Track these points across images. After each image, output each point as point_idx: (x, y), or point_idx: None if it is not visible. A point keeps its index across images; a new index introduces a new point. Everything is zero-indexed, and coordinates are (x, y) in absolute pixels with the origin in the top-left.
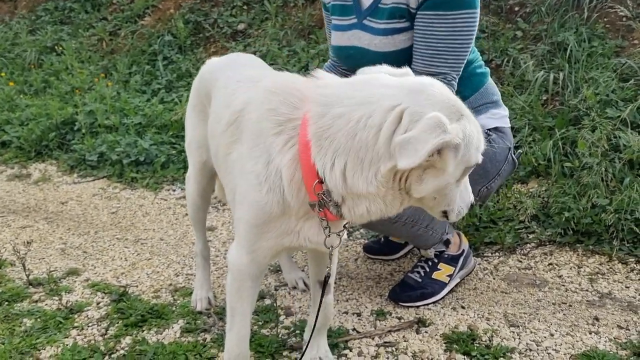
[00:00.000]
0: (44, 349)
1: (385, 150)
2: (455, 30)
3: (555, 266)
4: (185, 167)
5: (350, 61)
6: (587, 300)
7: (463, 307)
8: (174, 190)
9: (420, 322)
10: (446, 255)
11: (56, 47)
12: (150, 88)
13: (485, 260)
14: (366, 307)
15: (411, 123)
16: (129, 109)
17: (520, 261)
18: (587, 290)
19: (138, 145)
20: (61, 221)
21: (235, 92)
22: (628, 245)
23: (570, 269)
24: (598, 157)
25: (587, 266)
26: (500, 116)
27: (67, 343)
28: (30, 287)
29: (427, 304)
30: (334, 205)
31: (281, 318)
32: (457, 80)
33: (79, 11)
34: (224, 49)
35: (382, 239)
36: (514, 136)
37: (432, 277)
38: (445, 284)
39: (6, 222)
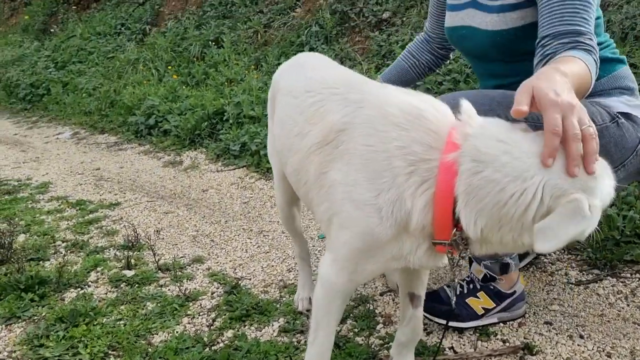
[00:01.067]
0: (157, 334)
1: (528, 227)
2: None
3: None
4: None
5: (461, 42)
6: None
7: (582, 337)
8: None
9: (527, 349)
10: (492, 287)
11: (218, 40)
12: None
13: (621, 282)
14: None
15: (552, 199)
16: None
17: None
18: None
19: None
20: (199, 208)
21: (324, 103)
22: None
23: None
24: None
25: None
26: (635, 105)
27: (177, 330)
28: (159, 272)
29: (449, 327)
30: (464, 245)
31: (379, 327)
32: (595, 41)
33: (239, 5)
34: (367, 39)
35: None
36: None
37: (466, 301)
38: (477, 316)
39: (153, 207)
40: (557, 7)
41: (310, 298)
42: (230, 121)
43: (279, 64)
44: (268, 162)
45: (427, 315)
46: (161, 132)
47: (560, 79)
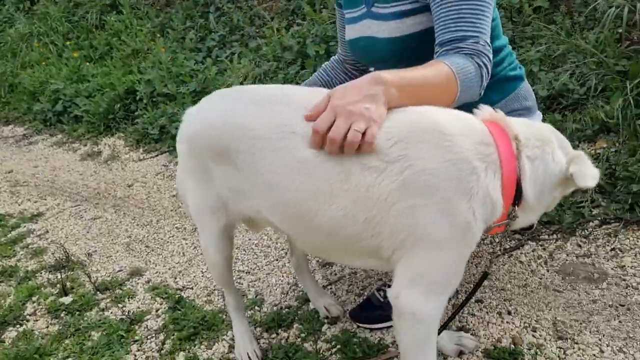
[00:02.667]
0: None
1: (557, 185)
2: None
3: (619, 252)
4: None
5: (362, 53)
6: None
7: (509, 313)
8: None
9: (463, 330)
10: None
11: (115, 4)
12: (205, 45)
13: (541, 246)
14: None
15: (566, 156)
16: (184, 74)
17: (580, 245)
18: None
19: None
20: (127, 209)
21: None
22: None
23: (635, 256)
24: None
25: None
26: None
27: None
28: (98, 292)
29: (382, 328)
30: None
31: (324, 328)
32: (490, 47)
33: None
34: None
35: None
36: (582, 86)
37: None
38: None
39: (79, 213)
40: (443, 15)
41: (255, 351)
42: (145, 101)
43: (187, 28)
44: None
45: (364, 326)
46: (72, 118)
47: (368, 86)
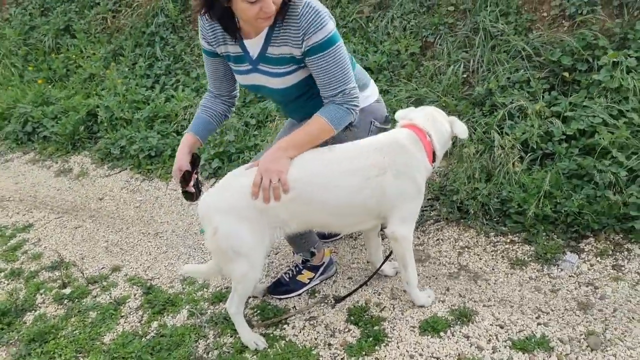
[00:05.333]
0: (105, 335)
1: (450, 134)
2: (336, 59)
3: (440, 241)
4: None
5: (259, 91)
6: (449, 272)
7: (367, 284)
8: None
9: (335, 299)
10: (309, 265)
11: (69, 28)
12: (153, 72)
13: None
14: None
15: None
16: (138, 101)
17: (419, 237)
18: (452, 263)
19: (149, 140)
20: (102, 218)
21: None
22: (495, 221)
23: (449, 243)
24: (484, 144)
25: (461, 240)
26: (365, 97)
27: (118, 330)
28: (90, 285)
29: (290, 297)
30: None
31: (250, 300)
32: (356, 89)
33: None
34: None
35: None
36: None
37: (297, 278)
38: (304, 284)
39: (62, 223)
40: (321, 79)
41: (259, 339)
42: (105, 124)
43: (135, 55)
44: (147, 164)
45: (276, 297)
46: (41, 137)
47: (276, 153)
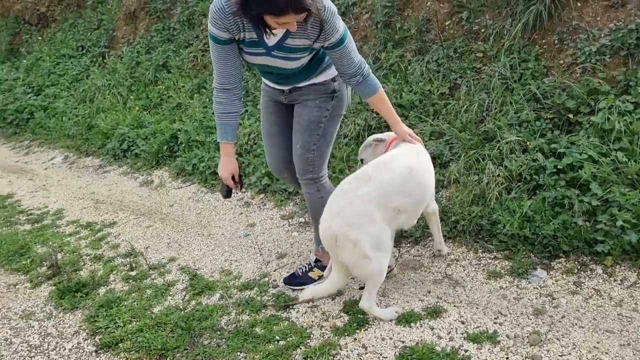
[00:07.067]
0: (155, 307)
1: None
2: (350, 49)
3: (435, 254)
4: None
5: (266, 70)
6: (435, 279)
7: (353, 279)
8: (236, 194)
9: (339, 293)
10: (319, 265)
11: (166, 65)
12: None
13: (397, 248)
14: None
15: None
16: (211, 126)
17: (419, 250)
18: (439, 272)
19: (215, 159)
20: (169, 221)
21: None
22: (484, 240)
23: (442, 257)
24: (485, 175)
25: (453, 254)
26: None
27: (165, 304)
28: (150, 270)
29: (298, 289)
30: None
31: (270, 289)
32: (363, 61)
33: (180, 30)
34: None
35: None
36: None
37: (308, 274)
38: (314, 280)
39: (138, 223)
40: (345, 61)
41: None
42: (183, 145)
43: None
44: (212, 179)
45: (291, 287)
46: (133, 154)
47: (402, 125)
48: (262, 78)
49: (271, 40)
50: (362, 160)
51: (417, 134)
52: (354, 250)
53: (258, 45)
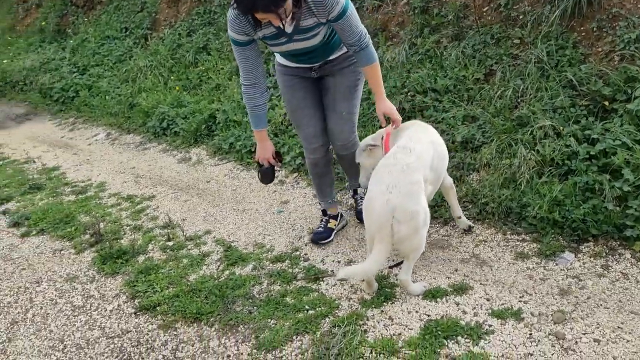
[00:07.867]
0: (191, 275)
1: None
2: (352, 18)
3: (464, 235)
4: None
5: (291, 53)
6: (463, 258)
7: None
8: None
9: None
10: (331, 215)
11: (206, 47)
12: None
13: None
14: (346, 257)
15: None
16: None
17: (447, 230)
18: (467, 252)
19: (251, 139)
20: (205, 196)
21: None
22: (513, 222)
23: (470, 237)
24: (516, 159)
25: (481, 236)
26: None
27: (200, 273)
28: (187, 241)
29: (326, 244)
30: None
31: (301, 262)
32: (365, 30)
33: (220, 14)
34: None
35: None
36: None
37: (328, 226)
38: (333, 230)
39: (176, 197)
40: (347, 33)
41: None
42: (221, 124)
43: None
44: (248, 158)
45: (320, 242)
46: (172, 132)
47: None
48: (279, 60)
49: (288, 28)
50: (358, 164)
51: (449, 119)
52: (409, 223)
53: (279, 37)
